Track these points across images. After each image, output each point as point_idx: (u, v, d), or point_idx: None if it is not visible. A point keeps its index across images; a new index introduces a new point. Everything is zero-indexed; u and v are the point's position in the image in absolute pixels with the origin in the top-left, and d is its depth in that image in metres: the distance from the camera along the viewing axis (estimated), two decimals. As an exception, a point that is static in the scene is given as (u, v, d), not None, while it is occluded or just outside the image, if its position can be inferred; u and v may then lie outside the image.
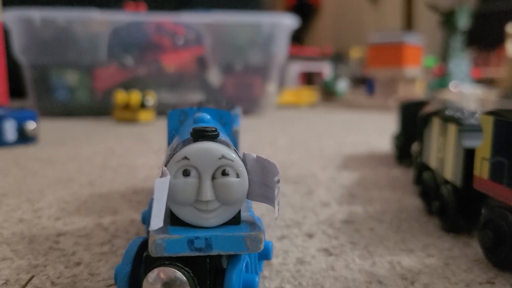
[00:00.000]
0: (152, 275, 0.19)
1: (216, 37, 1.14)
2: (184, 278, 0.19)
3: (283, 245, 0.31)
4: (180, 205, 0.19)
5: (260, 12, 1.67)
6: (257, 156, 0.21)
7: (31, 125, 0.70)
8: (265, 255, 0.25)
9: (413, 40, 1.25)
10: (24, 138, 0.69)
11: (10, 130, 0.67)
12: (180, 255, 0.19)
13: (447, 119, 0.35)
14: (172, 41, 1.15)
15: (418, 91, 1.41)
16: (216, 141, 0.20)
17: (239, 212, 0.20)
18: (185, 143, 0.20)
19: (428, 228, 0.34)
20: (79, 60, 1.09)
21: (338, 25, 3.46)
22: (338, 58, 2.22)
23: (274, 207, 0.20)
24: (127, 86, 1.11)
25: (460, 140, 0.32)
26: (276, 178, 0.19)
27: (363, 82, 1.95)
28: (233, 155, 0.20)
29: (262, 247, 0.19)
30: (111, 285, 0.25)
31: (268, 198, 0.20)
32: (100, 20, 1.09)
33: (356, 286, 0.25)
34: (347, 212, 0.38)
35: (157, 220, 0.18)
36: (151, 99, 1.03)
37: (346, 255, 0.29)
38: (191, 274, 0.19)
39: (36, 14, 1.03)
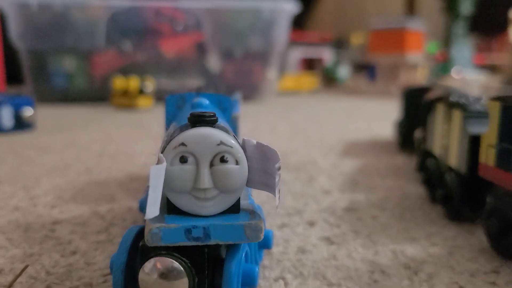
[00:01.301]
0: (148, 265, 0.18)
1: (216, 22, 1.13)
2: (182, 268, 0.18)
3: (283, 234, 0.30)
4: (177, 193, 0.19)
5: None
6: (257, 142, 0.20)
7: (28, 112, 0.69)
8: (266, 244, 0.24)
9: (415, 25, 1.23)
10: (21, 124, 0.68)
11: (6, 116, 0.66)
12: (177, 244, 0.18)
13: (452, 105, 0.34)
14: (171, 26, 1.13)
15: (420, 77, 1.39)
16: (214, 127, 0.19)
17: (238, 200, 0.19)
18: (182, 128, 0.19)
19: (432, 216, 0.34)
20: (76, 46, 1.07)
21: (340, 10, 3.42)
22: (340, 43, 2.20)
23: (274, 194, 0.19)
24: (126, 72, 1.09)
25: (465, 127, 0.31)
26: (277, 165, 0.19)
27: (365, 68, 1.94)
28: (232, 141, 0.19)
29: (262, 236, 0.19)
30: (107, 275, 0.24)
31: (269, 185, 0.19)
32: (98, 5, 1.08)
33: (359, 276, 0.24)
34: (349, 200, 0.38)
35: (153, 209, 0.17)
36: (149, 85, 1.02)
37: (348, 244, 0.29)
38: (189, 264, 0.18)
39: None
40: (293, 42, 1.67)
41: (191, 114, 0.20)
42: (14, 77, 1.22)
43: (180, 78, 1.15)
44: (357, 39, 2.33)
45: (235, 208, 0.19)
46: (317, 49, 1.73)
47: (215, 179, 0.19)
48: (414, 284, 0.24)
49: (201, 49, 1.14)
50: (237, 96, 0.41)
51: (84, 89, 1.11)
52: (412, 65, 1.27)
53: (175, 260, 0.18)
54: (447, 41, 1.74)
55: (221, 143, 0.19)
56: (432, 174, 0.36)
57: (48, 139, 0.64)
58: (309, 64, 1.76)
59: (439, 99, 0.37)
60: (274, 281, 0.24)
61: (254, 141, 0.20)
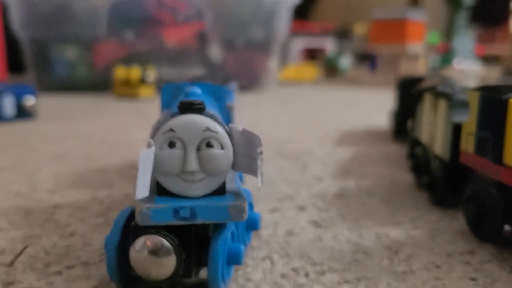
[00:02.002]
0: (139, 243, 0.19)
1: (217, 12, 1.14)
2: (170, 246, 0.19)
3: (274, 217, 0.32)
4: (167, 176, 0.20)
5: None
6: (243, 129, 0.21)
7: (30, 101, 0.70)
8: (253, 225, 0.26)
9: (417, 16, 1.24)
10: (22, 113, 0.70)
11: (8, 105, 0.68)
12: (166, 224, 0.19)
13: (438, 95, 0.35)
14: (173, 16, 1.14)
15: (421, 68, 1.40)
16: (202, 114, 0.20)
17: (224, 183, 0.21)
18: (172, 116, 0.21)
19: (418, 202, 0.35)
20: (78, 35, 1.08)
21: (344, 0, 3.41)
22: (343, 34, 2.20)
23: (257, 177, 0.20)
24: (128, 61, 1.10)
25: (449, 115, 0.32)
26: (259, 150, 0.20)
27: (368, 58, 1.94)
28: (217, 127, 0.20)
29: (245, 216, 0.20)
30: (103, 254, 0.26)
31: (253, 169, 0.20)
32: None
33: (342, 256, 0.26)
34: (340, 186, 0.39)
35: (142, 190, 0.19)
36: (151, 74, 1.03)
37: (334, 227, 0.30)
38: (177, 242, 0.20)
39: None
40: (296, 32, 1.67)
41: (180, 102, 0.21)
42: (16, 66, 1.24)
43: (182, 68, 1.16)
44: (360, 29, 2.32)
45: (221, 190, 0.21)
46: (319, 39, 1.73)
47: (202, 162, 0.20)
48: (393, 264, 0.25)
49: (202, 38, 1.15)
50: (233, 86, 0.42)
51: (86, 79, 1.13)
52: (412, 55, 1.27)
53: (164, 238, 0.19)
54: (449, 31, 1.74)
55: (207, 129, 0.20)
56: (419, 162, 0.38)
57: (50, 127, 0.66)
58: (312, 55, 1.76)
59: (427, 89, 0.38)
60: (261, 261, 0.25)
61: (240, 128, 0.21)
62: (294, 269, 0.24)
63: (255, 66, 1.18)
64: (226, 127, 0.21)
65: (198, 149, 0.20)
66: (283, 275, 0.24)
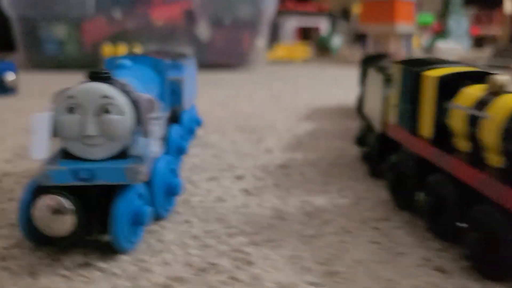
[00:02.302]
0: (38, 202, 0.20)
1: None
2: (69, 204, 0.20)
3: (209, 185, 0.33)
4: (68, 140, 0.21)
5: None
6: (148, 97, 0.22)
7: (10, 76, 0.71)
8: (173, 191, 0.27)
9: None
10: (2, 89, 0.71)
11: (-14, 80, 0.69)
12: (66, 184, 0.21)
13: (377, 70, 0.35)
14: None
15: (414, 47, 1.39)
16: (106, 82, 0.21)
17: (125, 147, 0.22)
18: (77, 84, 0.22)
19: (357, 173, 0.36)
20: (67, 13, 1.09)
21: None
22: (343, 14, 2.18)
23: (150, 142, 0.21)
24: (116, 39, 1.11)
25: (381, 88, 0.33)
26: (151, 115, 0.21)
27: (364, 38, 1.93)
28: (116, 94, 0.21)
29: (142, 178, 0.21)
30: (31, 217, 0.27)
31: (149, 132, 0.21)
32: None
33: (259, 221, 0.27)
34: (286, 158, 0.40)
35: (38, 152, 0.20)
36: (138, 52, 1.04)
37: (264, 195, 0.31)
38: (76, 202, 0.21)
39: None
40: (290, 11, 1.66)
41: (88, 72, 0.22)
42: (7, 44, 1.25)
43: (170, 46, 1.17)
44: (358, 9, 2.31)
45: (123, 155, 0.22)
46: (314, 19, 1.72)
47: (101, 128, 0.21)
48: (305, 228, 0.26)
49: (190, 17, 1.15)
50: (187, 61, 0.43)
51: (75, 56, 1.14)
52: (402, 35, 1.27)
53: (63, 198, 0.20)
54: (444, 12, 1.73)
55: (105, 96, 0.21)
56: (363, 135, 0.38)
57: (28, 102, 0.67)
58: (305, 34, 1.76)
59: (371, 65, 0.39)
60: (179, 224, 0.26)
61: (147, 96, 0.22)
62: (207, 231, 0.25)
63: (243, 44, 1.18)
64: (132, 95, 0.22)
65: (98, 115, 0.21)
66: (194, 237, 0.25)
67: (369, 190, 0.32)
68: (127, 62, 0.29)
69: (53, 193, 0.20)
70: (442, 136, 0.26)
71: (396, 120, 0.30)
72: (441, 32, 1.72)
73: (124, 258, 0.22)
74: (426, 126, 0.27)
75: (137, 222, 0.22)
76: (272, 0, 1.16)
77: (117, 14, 1.12)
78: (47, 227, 0.20)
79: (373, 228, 0.26)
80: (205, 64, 1.20)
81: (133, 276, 0.21)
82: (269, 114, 0.60)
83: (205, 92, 0.81)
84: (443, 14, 1.73)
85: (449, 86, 0.25)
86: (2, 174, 0.35)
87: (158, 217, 0.26)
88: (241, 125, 0.53)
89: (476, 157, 0.23)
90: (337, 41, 1.57)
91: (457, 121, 0.24)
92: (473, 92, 0.24)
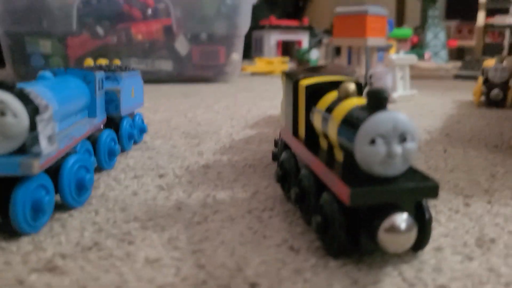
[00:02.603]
0: None
1: (183, 8, 1.18)
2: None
3: (130, 182, 0.37)
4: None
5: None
6: (43, 102, 0.26)
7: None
8: (82, 185, 0.31)
9: (377, 11, 1.27)
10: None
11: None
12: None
13: (288, 77, 0.39)
14: (142, 12, 1.19)
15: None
16: (6, 90, 0.25)
17: (24, 145, 0.26)
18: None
19: (268, 173, 0.40)
20: (52, 29, 1.14)
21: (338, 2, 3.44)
22: (330, 28, 2.24)
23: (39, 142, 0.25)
24: (100, 54, 1.16)
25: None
26: (39, 118, 0.25)
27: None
28: (11, 100, 0.25)
29: (34, 171, 0.25)
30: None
31: (39, 132, 0.25)
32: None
33: (157, 210, 0.31)
34: (212, 160, 0.44)
35: None
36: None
37: (174, 190, 0.35)
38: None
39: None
40: (273, 25, 1.72)
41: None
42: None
43: (150, 60, 1.22)
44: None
45: (21, 151, 0.26)
46: (295, 33, 1.77)
47: (-1, 128, 0.25)
48: (195, 216, 0.30)
49: (169, 32, 1.20)
50: (128, 74, 0.47)
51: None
52: (374, 47, 1.31)
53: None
54: (422, 25, 1.78)
55: (1, 101, 0.25)
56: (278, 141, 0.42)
57: None
58: (287, 48, 1.81)
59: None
60: (86, 213, 0.30)
61: (43, 102, 0.26)
62: (108, 219, 0.29)
63: (219, 58, 1.23)
64: (30, 101, 0.26)
65: (-3, 117, 0.25)
66: (94, 223, 0.29)
67: (269, 186, 0.36)
68: (47, 74, 0.33)
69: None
70: (313, 136, 0.30)
71: (284, 123, 0.34)
72: (418, 45, 1.77)
73: (24, 239, 0.26)
74: (301, 128, 0.31)
75: (37, 209, 0.26)
76: (247, 16, 1.21)
77: (100, 30, 1.17)
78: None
79: (256, 216, 0.30)
80: (184, 77, 1.25)
81: (26, 252, 0.25)
82: (219, 122, 0.64)
83: (172, 102, 0.85)
84: (421, 27, 1.78)
85: (316, 93, 0.29)
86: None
87: (69, 207, 0.30)
88: (188, 131, 0.57)
89: (329, 154, 0.27)
90: (315, 54, 1.62)
91: (317, 123, 0.28)
92: (329, 98, 0.28)
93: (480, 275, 0.23)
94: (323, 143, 0.28)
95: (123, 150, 0.46)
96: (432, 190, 0.23)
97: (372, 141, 0.22)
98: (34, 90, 0.28)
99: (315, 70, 0.36)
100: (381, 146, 0.22)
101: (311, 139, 0.30)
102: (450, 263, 0.24)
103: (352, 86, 0.27)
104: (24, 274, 0.23)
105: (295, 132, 0.31)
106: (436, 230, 0.28)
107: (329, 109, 0.26)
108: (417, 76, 1.37)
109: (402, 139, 0.22)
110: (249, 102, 0.86)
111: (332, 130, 0.25)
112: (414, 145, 0.22)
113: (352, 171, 0.23)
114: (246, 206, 0.32)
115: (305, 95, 0.29)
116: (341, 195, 0.22)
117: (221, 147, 0.49)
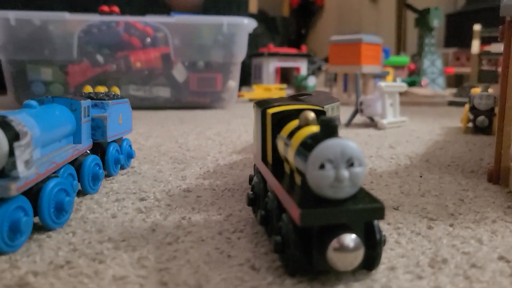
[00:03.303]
0: None
1: (181, 36, 1.22)
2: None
3: (111, 205, 0.38)
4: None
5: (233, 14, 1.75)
6: (24, 129, 0.28)
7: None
8: (61, 207, 0.32)
9: (371, 39, 1.31)
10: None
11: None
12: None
13: (258, 105, 0.41)
14: (141, 40, 1.23)
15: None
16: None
17: (2, 168, 0.27)
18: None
19: (243, 197, 0.41)
20: (53, 57, 1.17)
21: (340, 23, 3.51)
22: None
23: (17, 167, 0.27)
24: (99, 81, 1.19)
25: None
26: (17, 144, 0.27)
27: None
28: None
29: (12, 193, 0.27)
30: None
31: (16, 157, 0.27)
32: (74, 19, 1.18)
33: (132, 232, 0.32)
34: (194, 184, 0.45)
35: None
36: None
37: (151, 213, 0.37)
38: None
39: (12, 14, 1.12)
40: (272, 53, 1.75)
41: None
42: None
43: (149, 88, 1.25)
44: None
45: (0, 174, 0.28)
46: (294, 60, 1.81)
47: (-19, 152, 0.27)
48: (167, 237, 0.31)
49: (167, 60, 1.23)
50: (114, 102, 0.49)
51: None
52: (370, 74, 1.34)
53: None
54: (419, 53, 1.81)
55: (-15, 127, 0.27)
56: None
57: None
58: (285, 75, 1.84)
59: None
60: (64, 234, 0.32)
61: (24, 129, 0.28)
62: (83, 239, 0.31)
63: (216, 85, 1.25)
64: (11, 128, 0.28)
65: (-20, 141, 0.27)
66: (70, 243, 0.30)
67: (244, 209, 0.37)
68: (33, 103, 0.35)
69: None
70: (278, 161, 0.31)
71: (255, 149, 0.35)
72: (416, 72, 1.79)
73: (1, 258, 0.28)
74: (268, 154, 0.32)
75: (15, 229, 0.28)
76: (243, 44, 1.24)
77: (100, 58, 1.21)
78: None
79: (225, 238, 0.32)
80: (181, 104, 1.28)
81: (1, 270, 0.26)
82: (209, 147, 0.66)
83: (166, 129, 0.87)
84: (418, 54, 1.81)
85: (282, 121, 0.31)
86: None
87: (48, 228, 0.32)
88: (176, 156, 0.59)
89: (291, 178, 0.29)
90: (312, 80, 1.65)
91: (280, 149, 0.30)
92: (291, 125, 0.30)
93: (425, 293, 0.24)
94: (287, 168, 0.30)
95: (109, 175, 0.48)
96: (379, 212, 0.24)
97: (322, 166, 0.23)
98: (18, 117, 0.30)
99: (293, 98, 0.38)
100: (330, 171, 0.23)
101: (277, 164, 0.31)
102: (400, 282, 0.25)
103: (311, 115, 0.28)
104: (-2, 290, 0.24)
105: (264, 158, 0.33)
106: (394, 251, 0.29)
107: (290, 136, 0.28)
108: (412, 102, 1.40)
109: (350, 164, 0.24)
110: (241, 129, 0.88)
111: (291, 156, 0.27)
112: (361, 170, 0.24)
113: (306, 194, 0.25)
114: (218, 228, 0.33)
115: (271, 122, 0.31)
116: (294, 216, 0.24)
117: (205, 172, 0.51)
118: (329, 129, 0.24)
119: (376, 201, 0.25)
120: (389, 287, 0.25)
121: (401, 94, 1.11)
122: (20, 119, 0.30)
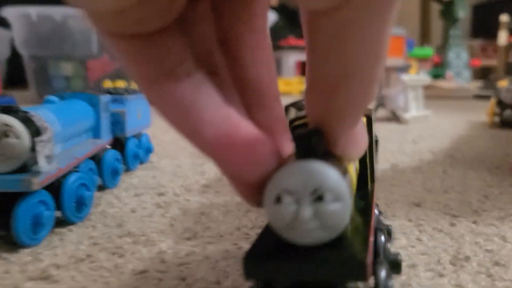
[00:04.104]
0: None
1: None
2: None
3: (130, 200, 0.39)
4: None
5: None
6: (44, 125, 0.29)
7: (9, 110, 0.80)
8: (83, 202, 0.33)
9: (394, 31, 1.28)
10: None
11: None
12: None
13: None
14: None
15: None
16: (11, 114, 0.28)
17: (25, 163, 0.28)
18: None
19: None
20: (73, 53, 1.19)
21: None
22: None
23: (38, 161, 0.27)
24: (118, 75, 1.20)
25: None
26: (38, 139, 0.27)
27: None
28: (14, 123, 0.27)
29: (34, 187, 0.27)
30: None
31: (38, 152, 0.28)
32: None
33: (152, 226, 0.32)
34: (213, 179, 0.45)
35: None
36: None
37: (170, 208, 0.37)
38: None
39: (33, 10, 1.14)
40: (291, 46, 1.74)
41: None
42: (20, 80, 1.36)
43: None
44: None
45: (23, 169, 0.28)
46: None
47: (1, 148, 0.27)
48: (186, 232, 0.31)
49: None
50: (133, 97, 0.49)
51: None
52: (392, 68, 1.32)
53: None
54: (444, 45, 1.77)
55: (5, 124, 0.27)
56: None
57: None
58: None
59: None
60: (85, 228, 0.32)
61: (44, 124, 0.29)
62: (103, 233, 0.31)
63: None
64: (32, 123, 0.28)
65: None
66: (90, 237, 0.31)
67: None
68: (53, 98, 0.36)
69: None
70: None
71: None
72: (440, 64, 1.76)
73: (24, 250, 0.28)
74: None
75: (38, 223, 0.28)
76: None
77: (120, 52, 1.22)
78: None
79: (244, 233, 0.31)
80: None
81: (24, 263, 0.27)
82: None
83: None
84: (443, 47, 1.78)
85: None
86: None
87: (69, 222, 0.32)
88: (195, 151, 0.59)
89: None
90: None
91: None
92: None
93: (446, 292, 0.23)
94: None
95: (128, 169, 0.48)
96: (355, 270, 0.16)
97: (278, 199, 0.16)
98: (39, 113, 0.30)
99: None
100: (288, 206, 0.16)
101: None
102: (421, 280, 0.25)
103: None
104: (21, 282, 0.25)
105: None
106: (415, 248, 0.29)
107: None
108: (437, 96, 1.37)
109: (317, 197, 0.16)
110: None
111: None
112: (337, 207, 0.15)
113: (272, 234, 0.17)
114: (237, 223, 0.33)
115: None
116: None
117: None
118: (303, 147, 0.16)
119: (355, 257, 0.16)
120: (409, 285, 0.24)
121: (425, 87, 1.10)
122: (41, 114, 0.30)
